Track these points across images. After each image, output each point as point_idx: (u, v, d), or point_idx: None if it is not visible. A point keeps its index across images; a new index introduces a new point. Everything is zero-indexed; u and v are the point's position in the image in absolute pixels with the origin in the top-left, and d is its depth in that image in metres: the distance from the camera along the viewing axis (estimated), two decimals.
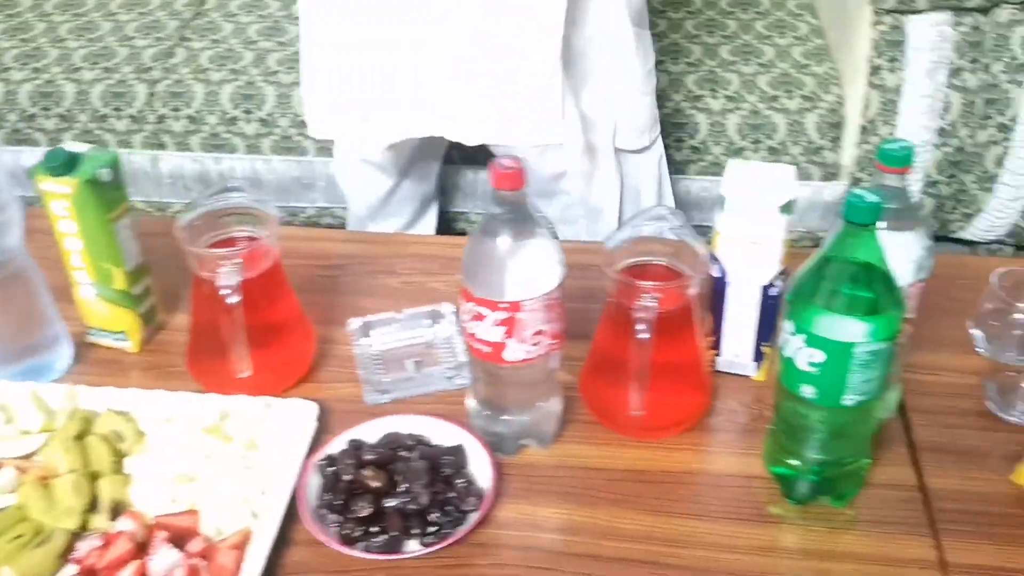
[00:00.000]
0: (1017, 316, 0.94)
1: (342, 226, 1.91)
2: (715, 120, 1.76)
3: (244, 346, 0.93)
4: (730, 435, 0.97)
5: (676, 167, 1.77)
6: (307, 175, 1.89)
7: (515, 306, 0.82)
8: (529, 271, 0.83)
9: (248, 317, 0.92)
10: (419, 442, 0.90)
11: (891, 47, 1.64)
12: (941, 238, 1.92)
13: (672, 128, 1.76)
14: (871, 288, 0.76)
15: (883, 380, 0.79)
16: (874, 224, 0.73)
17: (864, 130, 1.71)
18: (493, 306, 0.83)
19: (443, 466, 0.88)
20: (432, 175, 1.72)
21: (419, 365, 1.03)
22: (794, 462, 0.86)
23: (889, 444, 0.93)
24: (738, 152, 1.75)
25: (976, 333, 0.96)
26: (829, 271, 0.76)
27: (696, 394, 0.95)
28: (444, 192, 1.82)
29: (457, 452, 0.89)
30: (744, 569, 0.83)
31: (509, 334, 0.84)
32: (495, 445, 0.91)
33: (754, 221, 0.91)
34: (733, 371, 1.01)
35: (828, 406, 0.79)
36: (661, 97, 1.69)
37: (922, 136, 1.70)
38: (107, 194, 0.98)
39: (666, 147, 1.61)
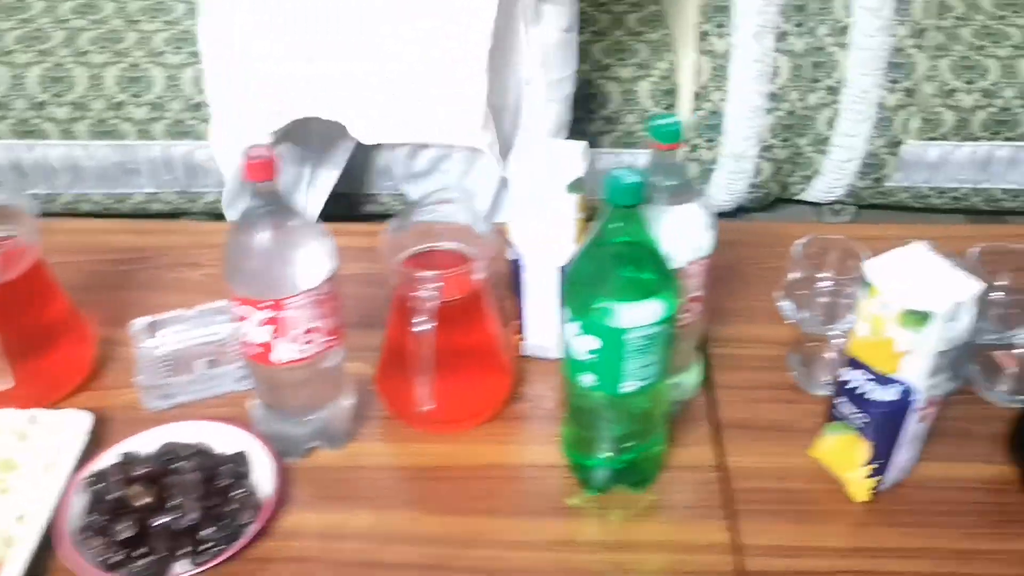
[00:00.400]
0: (820, 285, 0.92)
1: (176, 213, 1.82)
2: None
3: (1, 356, 0.85)
4: (535, 423, 0.93)
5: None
6: (130, 160, 1.78)
7: (278, 304, 0.76)
8: (292, 266, 0.77)
9: (6, 323, 0.85)
10: (198, 451, 0.84)
11: (718, 12, 1.62)
12: (784, 200, 1.93)
13: None
14: (641, 270, 0.72)
15: (663, 364, 0.76)
16: (638, 204, 0.69)
17: (697, 96, 1.69)
18: (255, 305, 0.77)
19: (221, 476, 0.82)
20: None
21: (211, 365, 0.96)
22: (588, 451, 0.82)
23: (694, 423, 0.91)
24: (573, 123, 1.71)
25: (784, 304, 0.94)
26: (598, 255, 0.72)
27: (494, 382, 0.91)
28: (352, 174, 1.72)
29: (238, 460, 0.84)
30: (536, 566, 0.79)
31: (276, 334, 0.78)
32: (282, 449, 0.86)
33: (543, 202, 0.87)
34: (540, 355, 0.97)
35: (608, 394, 0.76)
36: None
37: (754, 101, 1.69)
38: None
39: None
